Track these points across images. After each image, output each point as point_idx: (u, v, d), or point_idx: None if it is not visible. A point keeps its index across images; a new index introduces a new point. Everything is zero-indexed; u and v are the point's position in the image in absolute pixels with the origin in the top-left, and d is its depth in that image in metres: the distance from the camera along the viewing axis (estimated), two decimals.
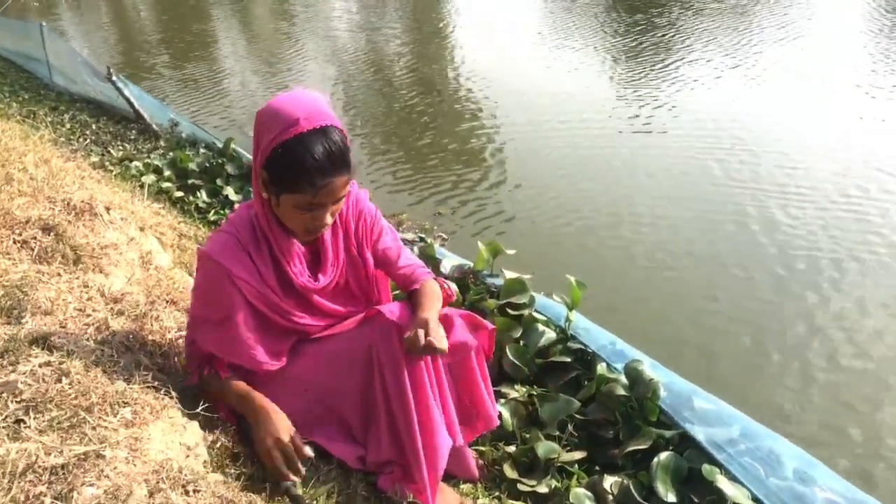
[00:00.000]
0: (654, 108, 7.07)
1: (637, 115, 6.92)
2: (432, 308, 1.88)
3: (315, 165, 1.59)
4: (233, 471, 1.73)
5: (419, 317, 1.81)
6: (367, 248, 2.00)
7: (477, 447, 2.36)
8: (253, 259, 1.79)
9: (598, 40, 9.87)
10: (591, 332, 2.74)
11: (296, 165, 1.60)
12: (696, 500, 2.11)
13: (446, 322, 2.00)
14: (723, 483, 2.01)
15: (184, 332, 2.25)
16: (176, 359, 2.12)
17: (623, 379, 2.45)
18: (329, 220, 1.73)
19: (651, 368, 2.45)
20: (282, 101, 1.64)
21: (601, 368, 2.54)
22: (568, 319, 2.75)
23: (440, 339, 1.74)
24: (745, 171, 5.55)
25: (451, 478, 2.16)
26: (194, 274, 1.88)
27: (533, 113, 7.20)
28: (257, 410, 1.78)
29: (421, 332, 1.73)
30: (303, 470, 1.72)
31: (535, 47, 9.86)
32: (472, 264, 3.32)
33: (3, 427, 1.39)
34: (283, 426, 1.75)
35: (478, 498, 2.11)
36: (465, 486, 2.18)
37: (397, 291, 2.38)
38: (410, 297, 2.02)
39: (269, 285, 1.82)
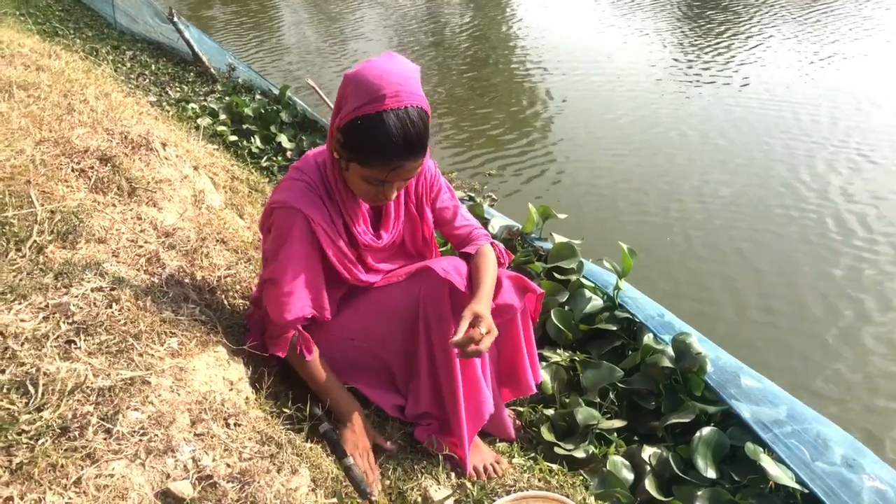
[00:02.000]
0: (719, 76, 6.86)
1: (700, 84, 6.73)
2: (486, 288, 1.82)
3: (391, 146, 1.55)
4: (273, 409, 1.74)
5: (474, 309, 1.73)
6: (427, 205, 1.99)
7: (515, 407, 2.35)
8: (326, 207, 1.77)
9: (659, 6, 9.60)
10: (640, 302, 2.69)
11: (372, 141, 1.56)
12: (736, 478, 2.06)
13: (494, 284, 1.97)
14: (766, 463, 1.96)
15: (232, 271, 2.28)
16: (223, 296, 2.14)
17: (669, 351, 2.39)
18: (394, 195, 1.71)
19: (699, 342, 2.39)
20: (375, 68, 1.57)
21: (647, 339, 2.49)
22: (617, 287, 2.70)
23: (485, 343, 1.69)
24: (811, 144, 5.36)
25: (486, 436, 2.15)
26: (269, 230, 1.78)
27: (591, 79, 7.05)
28: (350, 415, 1.88)
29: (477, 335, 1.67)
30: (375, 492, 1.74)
31: (592, 12, 9.63)
32: (520, 226, 3.28)
33: (55, 346, 1.41)
34: (369, 436, 1.89)
35: (513, 457, 2.10)
36: (502, 445, 2.16)
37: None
38: (465, 259, 1.99)
39: (340, 234, 1.81)
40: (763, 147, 5.44)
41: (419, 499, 1.82)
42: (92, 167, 2.28)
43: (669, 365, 2.35)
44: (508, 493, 1.86)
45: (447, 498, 1.83)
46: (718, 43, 7.93)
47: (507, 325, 2.02)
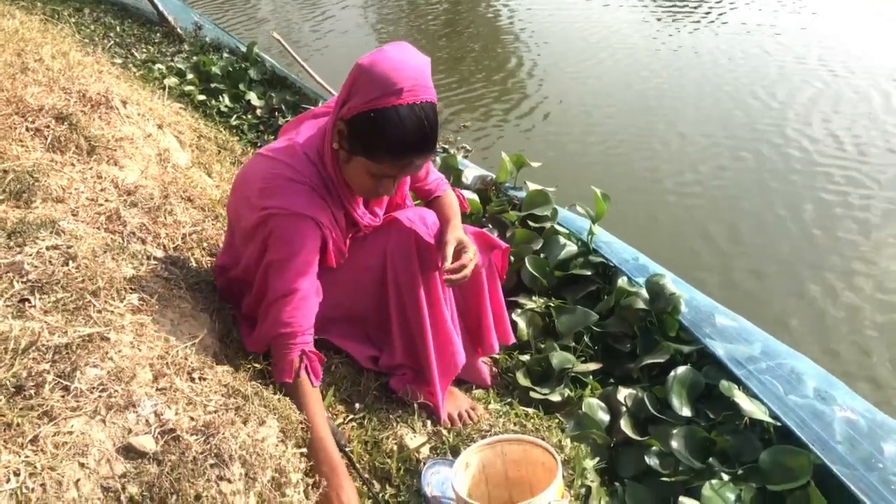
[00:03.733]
0: (688, 32, 6.74)
1: (670, 37, 6.64)
2: (458, 219, 1.93)
3: (404, 142, 1.51)
4: (243, 363, 1.72)
5: (457, 235, 1.83)
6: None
7: (491, 355, 2.34)
8: (329, 206, 1.70)
9: None
10: (613, 246, 2.67)
11: (385, 136, 1.51)
12: (711, 415, 2.07)
13: None
14: (741, 399, 1.97)
15: (198, 228, 2.23)
16: (189, 253, 2.10)
17: (644, 293, 2.38)
18: (393, 191, 1.67)
19: (673, 283, 2.38)
20: (389, 60, 1.51)
21: (622, 282, 2.48)
22: (590, 232, 2.68)
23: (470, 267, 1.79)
24: (779, 98, 5.28)
25: (462, 383, 2.14)
26: (266, 233, 1.64)
27: (570, 30, 6.95)
28: (337, 472, 1.54)
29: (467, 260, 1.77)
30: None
31: None
32: (494, 176, 3.24)
33: (8, 305, 1.37)
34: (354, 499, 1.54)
35: (489, 403, 2.10)
36: (478, 392, 2.16)
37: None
38: (431, 205, 2.01)
39: (340, 228, 1.76)
40: (734, 88, 5.42)
41: (394, 447, 1.81)
42: (48, 126, 2.22)
43: (644, 307, 2.34)
44: (484, 437, 1.85)
45: (422, 445, 1.83)
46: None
47: (470, 281, 2.00)
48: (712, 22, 6.84)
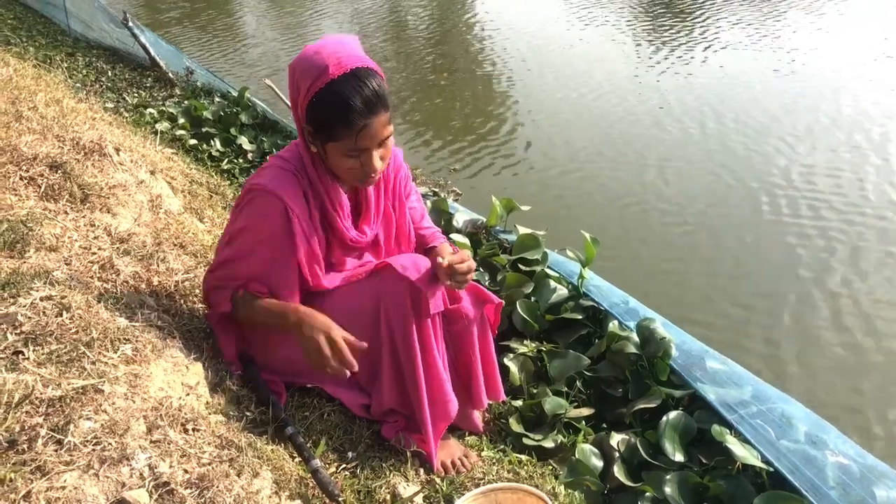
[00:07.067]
0: (675, 71, 6.90)
1: (657, 76, 6.78)
2: None
3: (349, 109, 1.57)
4: (235, 413, 1.71)
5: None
6: (405, 201, 2.01)
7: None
8: (307, 201, 1.75)
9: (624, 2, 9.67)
10: (604, 290, 2.69)
11: (332, 113, 1.58)
12: (704, 460, 2.08)
13: (452, 293, 1.97)
14: (732, 444, 1.97)
15: (190, 275, 2.23)
16: (182, 301, 2.10)
17: (634, 337, 2.40)
18: (379, 164, 1.69)
19: (664, 327, 2.40)
20: (310, 50, 1.62)
21: (613, 326, 2.50)
22: (581, 276, 2.70)
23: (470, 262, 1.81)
24: (764, 136, 5.41)
25: (455, 429, 2.14)
26: (239, 210, 1.77)
27: (553, 73, 7.07)
28: (300, 313, 1.71)
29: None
30: (355, 364, 1.63)
31: (558, 6, 9.65)
32: (484, 219, 3.27)
33: (2, 358, 1.37)
34: (331, 324, 1.68)
35: (482, 450, 2.09)
36: (471, 439, 2.15)
37: None
38: (427, 254, 2.03)
39: (315, 232, 1.79)
40: (724, 127, 5.52)
41: (388, 497, 1.80)
42: (42, 174, 2.23)
43: (635, 351, 2.35)
44: (478, 485, 1.85)
45: (416, 494, 1.82)
46: (679, 30, 7.99)
47: (462, 334, 2.02)
48: (701, 62, 6.97)
